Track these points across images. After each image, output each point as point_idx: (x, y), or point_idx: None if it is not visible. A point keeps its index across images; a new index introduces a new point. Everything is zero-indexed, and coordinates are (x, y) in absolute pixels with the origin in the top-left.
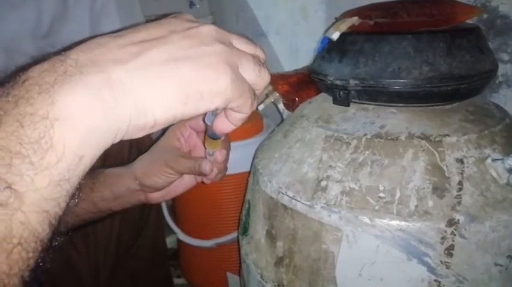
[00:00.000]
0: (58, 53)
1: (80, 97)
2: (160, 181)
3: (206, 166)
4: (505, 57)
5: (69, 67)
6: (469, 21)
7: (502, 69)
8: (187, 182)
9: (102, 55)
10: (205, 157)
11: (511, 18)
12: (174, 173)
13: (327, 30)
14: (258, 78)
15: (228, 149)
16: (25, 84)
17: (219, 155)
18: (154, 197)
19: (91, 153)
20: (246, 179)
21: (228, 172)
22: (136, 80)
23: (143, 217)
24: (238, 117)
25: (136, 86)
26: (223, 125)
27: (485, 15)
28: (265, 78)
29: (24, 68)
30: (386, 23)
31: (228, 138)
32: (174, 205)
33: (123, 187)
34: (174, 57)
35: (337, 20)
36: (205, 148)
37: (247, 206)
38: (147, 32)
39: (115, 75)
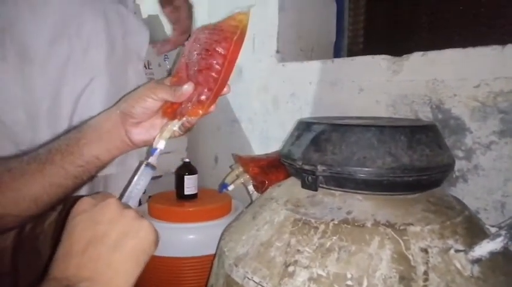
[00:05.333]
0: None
1: None
2: (139, 107)
3: (189, 87)
4: (460, 153)
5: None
6: (425, 120)
7: (458, 165)
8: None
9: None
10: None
11: (462, 119)
12: (153, 99)
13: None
14: None
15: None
16: None
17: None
18: (136, 134)
19: None
20: (210, 263)
21: (192, 254)
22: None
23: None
24: None
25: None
26: None
27: (440, 116)
28: None
29: None
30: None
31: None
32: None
33: (105, 120)
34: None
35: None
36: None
37: None
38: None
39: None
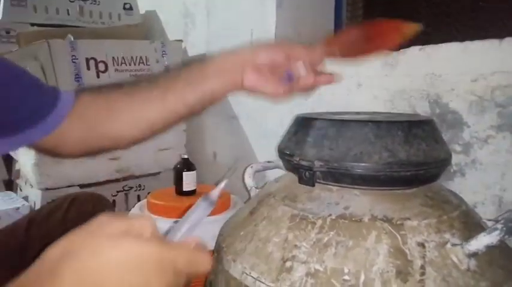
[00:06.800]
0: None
1: None
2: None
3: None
4: (458, 148)
5: None
6: (423, 115)
7: (455, 159)
8: None
9: None
10: None
11: (459, 113)
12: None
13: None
14: None
15: None
16: None
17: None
18: (249, 80)
19: None
20: None
21: None
22: None
23: None
24: None
25: None
26: None
27: (437, 110)
28: None
29: None
30: None
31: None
32: None
33: (227, 58)
34: None
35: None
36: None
37: None
38: None
39: None
